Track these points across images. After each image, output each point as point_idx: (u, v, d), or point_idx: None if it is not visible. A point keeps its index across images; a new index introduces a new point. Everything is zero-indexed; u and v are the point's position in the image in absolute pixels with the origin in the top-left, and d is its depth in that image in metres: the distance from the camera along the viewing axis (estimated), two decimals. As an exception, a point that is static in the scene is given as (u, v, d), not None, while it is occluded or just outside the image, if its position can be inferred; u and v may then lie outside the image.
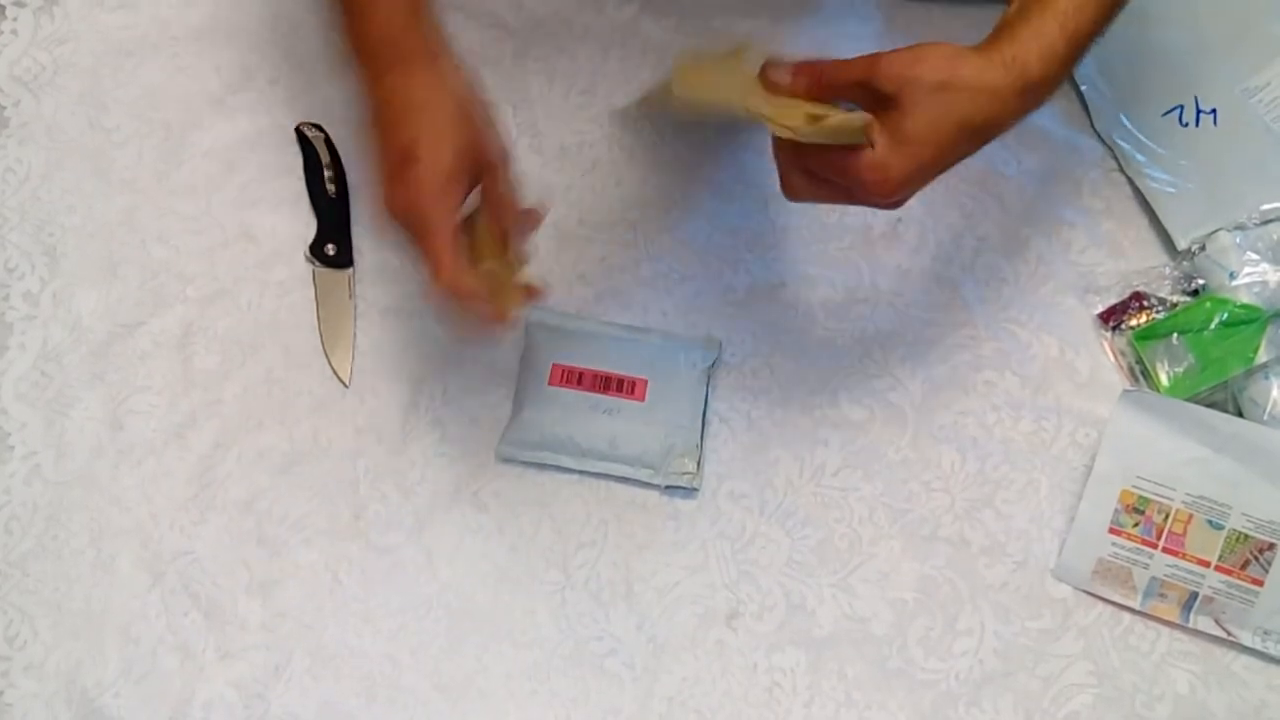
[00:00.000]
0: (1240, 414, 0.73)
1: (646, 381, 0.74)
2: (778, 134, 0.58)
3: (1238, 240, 0.75)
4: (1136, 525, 0.71)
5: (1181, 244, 0.78)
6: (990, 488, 0.74)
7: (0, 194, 0.78)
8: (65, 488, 0.72)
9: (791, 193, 0.63)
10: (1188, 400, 0.73)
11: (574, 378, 0.74)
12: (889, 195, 0.59)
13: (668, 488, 0.73)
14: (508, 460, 0.73)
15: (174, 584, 0.70)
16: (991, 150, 0.81)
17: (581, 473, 0.73)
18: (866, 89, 0.59)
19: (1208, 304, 0.74)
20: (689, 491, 0.73)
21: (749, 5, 0.85)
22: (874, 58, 0.59)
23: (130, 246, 0.77)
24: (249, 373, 0.75)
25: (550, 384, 0.74)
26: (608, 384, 0.74)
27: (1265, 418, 0.72)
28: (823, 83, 0.61)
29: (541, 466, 0.73)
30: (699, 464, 0.73)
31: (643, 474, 0.73)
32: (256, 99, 0.80)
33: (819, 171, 0.60)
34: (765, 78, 0.61)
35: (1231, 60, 0.79)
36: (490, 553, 0.72)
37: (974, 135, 0.61)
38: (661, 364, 0.75)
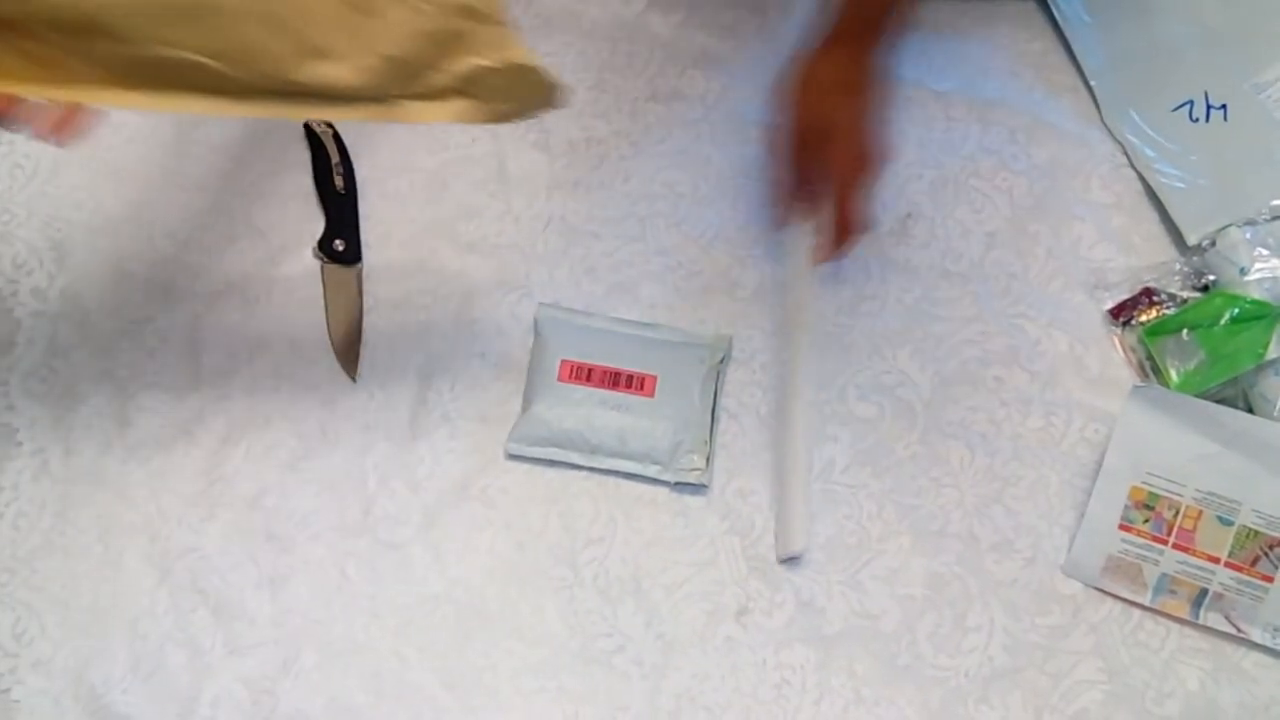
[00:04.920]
0: (1250, 410, 0.73)
1: (656, 377, 0.74)
2: None
3: (1248, 236, 0.75)
4: (1146, 521, 0.71)
5: (1192, 239, 0.78)
6: (1000, 484, 0.74)
7: (9, 190, 0.77)
8: (73, 484, 0.72)
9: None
10: (1198, 396, 0.73)
11: (583, 374, 0.74)
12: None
13: (676, 484, 0.73)
14: (516, 457, 0.73)
15: (182, 580, 0.70)
16: (1001, 145, 0.82)
17: (590, 469, 0.73)
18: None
19: (1218, 300, 0.74)
20: (698, 488, 0.73)
21: (755, 0, 0.85)
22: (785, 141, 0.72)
23: (138, 242, 0.77)
24: (257, 369, 0.74)
25: (560, 380, 0.74)
26: (617, 380, 0.74)
27: (1275, 413, 0.72)
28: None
29: (550, 463, 0.73)
30: (708, 460, 0.73)
31: (652, 470, 0.73)
32: (264, 95, 0.80)
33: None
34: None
35: (1241, 55, 0.79)
36: (498, 549, 0.72)
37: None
38: (671, 360, 0.75)
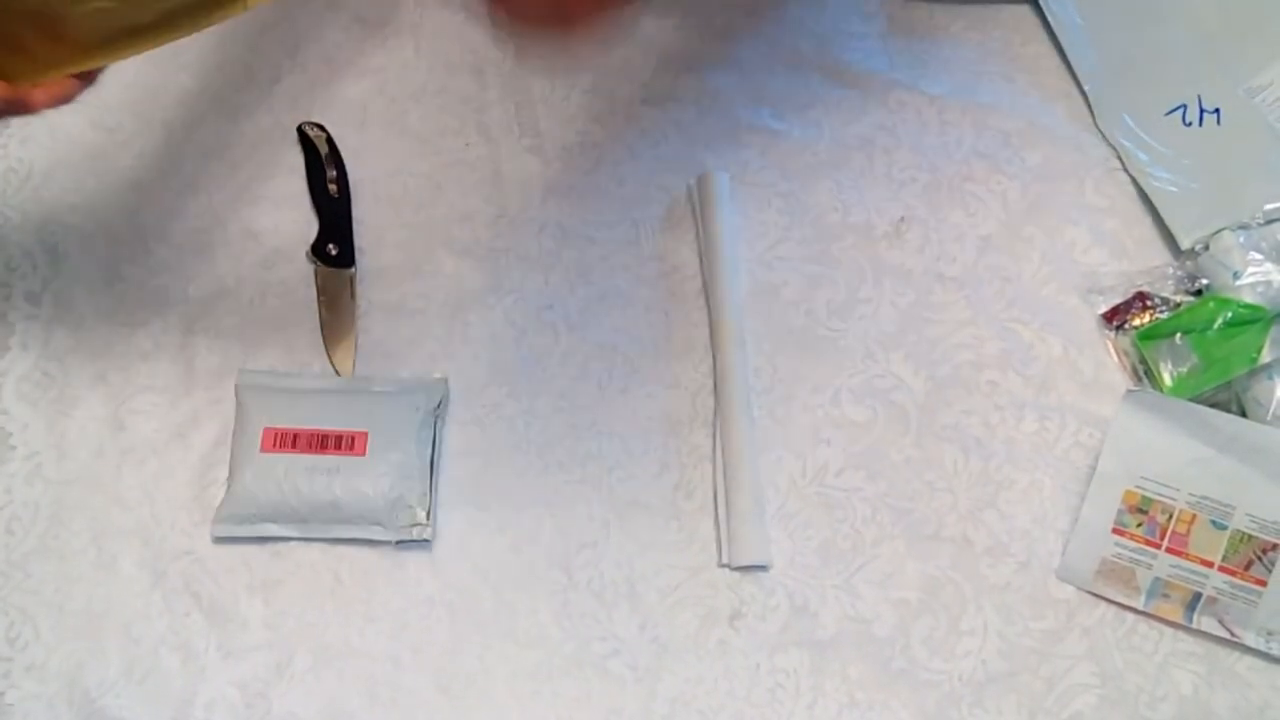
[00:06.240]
0: (1244, 414, 0.73)
1: (366, 434, 0.71)
2: None
3: (1241, 240, 0.75)
4: (1140, 525, 0.71)
5: (1185, 243, 0.78)
6: (993, 488, 0.74)
7: (2, 193, 0.77)
8: (67, 488, 0.72)
9: None
10: (1191, 400, 0.73)
11: (288, 440, 0.70)
12: None
13: (673, 487, 0.73)
14: (224, 539, 0.70)
15: (176, 584, 0.70)
16: (995, 149, 0.82)
17: (310, 539, 0.71)
18: None
19: (1211, 304, 0.74)
20: (690, 490, 0.73)
21: (752, 3, 0.85)
22: None
23: (132, 246, 0.77)
24: (251, 372, 0.74)
25: (263, 450, 0.70)
26: (325, 442, 0.70)
27: (1269, 418, 0.72)
28: None
29: (543, 466, 0.73)
30: (429, 513, 0.70)
31: (375, 532, 0.70)
32: (258, 98, 0.80)
33: None
34: None
35: (1235, 59, 0.79)
36: (492, 553, 0.72)
37: None
38: (381, 413, 0.71)
